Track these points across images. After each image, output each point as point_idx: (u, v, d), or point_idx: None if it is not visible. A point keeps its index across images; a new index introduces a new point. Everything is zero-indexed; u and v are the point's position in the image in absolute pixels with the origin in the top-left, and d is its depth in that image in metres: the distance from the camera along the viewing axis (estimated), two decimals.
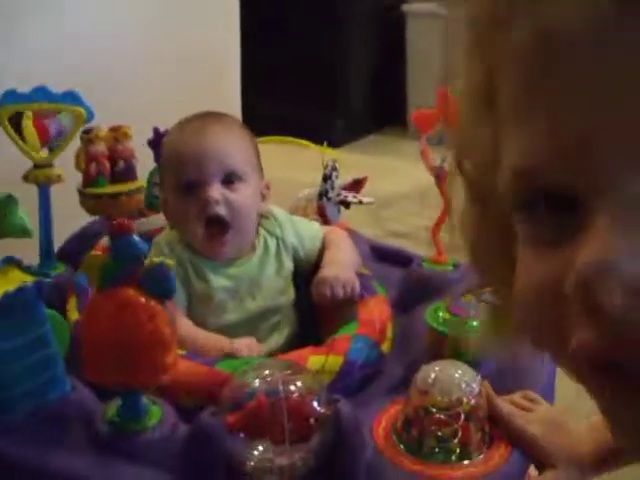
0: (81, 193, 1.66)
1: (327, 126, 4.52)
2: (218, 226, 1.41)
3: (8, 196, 1.33)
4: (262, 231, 1.50)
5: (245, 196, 1.42)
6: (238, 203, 1.41)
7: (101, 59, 2.61)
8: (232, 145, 1.44)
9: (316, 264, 1.49)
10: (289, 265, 1.50)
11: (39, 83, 1.43)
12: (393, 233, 3.30)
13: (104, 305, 0.96)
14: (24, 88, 1.41)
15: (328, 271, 1.41)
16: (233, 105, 3.32)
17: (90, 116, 1.44)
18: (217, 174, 1.40)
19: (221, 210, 1.39)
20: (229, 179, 1.41)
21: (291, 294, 1.50)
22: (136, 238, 0.96)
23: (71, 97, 1.41)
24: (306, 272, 1.51)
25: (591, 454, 1.10)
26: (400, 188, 3.73)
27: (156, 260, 0.96)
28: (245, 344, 1.28)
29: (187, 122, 1.48)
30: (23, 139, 1.44)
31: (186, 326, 1.32)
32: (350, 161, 4.27)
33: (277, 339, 1.46)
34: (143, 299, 0.95)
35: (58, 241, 1.61)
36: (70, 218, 1.61)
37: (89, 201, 1.65)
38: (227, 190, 1.41)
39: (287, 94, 4.72)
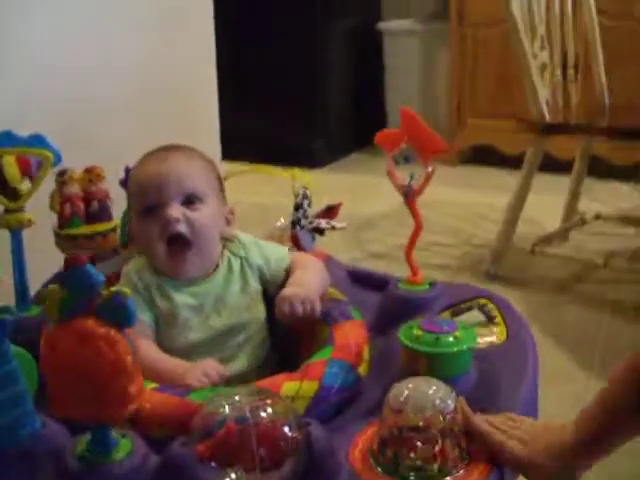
0: (56, 234, 1.66)
1: (307, 146, 4.55)
2: (179, 244, 1.43)
3: None
4: (226, 252, 1.52)
5: (205, 215, 1.45)
6: (199, 222, 1.44)
7: (74, 99, 2.61)
8: (191, 169, 1.47)
9: (282, 285, 1.50)
10: (254, 284, 1.51)
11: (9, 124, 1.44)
12: (373, 254, 3.30)
13: (64, 337, 0.95)
14: None
15: (288, 289, 1.42)
16: (211, 127, 3.33)
17: (57, 159, 1.45)
18: (177, 195, 1.43)
19: (182, 228, 1.43)
20: (189, 200, 1.44)
21: (258, 312, 1.51)
22: (90, 268, 0.95)
23: (37, 140, 1.42)
24: (274, 292, 1.51)
25: (575, 442, 1.09)
26: (380, 208, 3.74)
27: (112, 289, 0.95)
28: (197, 377, 1.27)
29: (150, 153, 1.51)
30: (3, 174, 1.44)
31: (147, 353, 1.31)
32: (331, 181, 4.33)
33: (246, 359, 1.46)
34: (102, 329, 0.94)
35: (37, 282, 1.62)
36: (47, 259, 1.61)
37: (65, 242, 1.65)
38: (187, 210, 1.44)
39: (266, 115, 4.72)
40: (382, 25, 4.84)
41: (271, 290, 1.52)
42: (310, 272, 1.50)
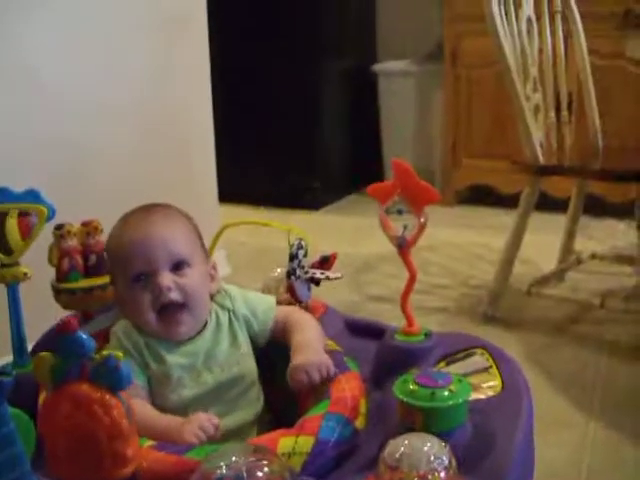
0: (55, 288, 1.66)
1: (304, 188, 4.57)
2: (172, 310, 1.45)
3: None
4: (214, 306, 1.54)
5: (194, 279, 1.47)
6: (189, 287, 1.45)
7: (68, 153, 2.64)
8: (175, 232, 1.48)
9: (273, 338, 1.55)
10: (243, 337, 1.53)
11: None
12: (372, 297, 3.31)
13: (59, 404, 0.96)
14: None
15: (300, 357, 1.41)
16: (208, 171, 3.35)
17: (52, 213, 1.46)
18: (166, 263, 1.45)
19: (174, 296, 1.44)
20: (177, 266, 1.46)
21: (249, 366, 1.52)
22: (81, 334, 0.97)
23: (32, 196, 1.43)
24: (262, 344, 1.56)
25: None
26: (379, 250, 3.74)
27: (104, 353, 0.96)
28: (193, 432, 1.27)
29: (130, 214, 1.52)
30: (5, 236, 1.46)
31: (142, 412, 1.29)
32: (329, 223, 4.35)
33: (241, 413, 1.47)
34: (97, 393, 0.96)
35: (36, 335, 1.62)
36: (48, 314, 1.62)
37: (63, 296, 1.66)
38: (176, 277, 1.45)
39: (263, 156, 4.78)
40: (377, 66, 4.89)
41: (260, 343, 1.55)
42: (310, 332, 1.51)
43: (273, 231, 1.67)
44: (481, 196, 4.56)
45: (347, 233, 4.18)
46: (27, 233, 1.46)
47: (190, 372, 1.46)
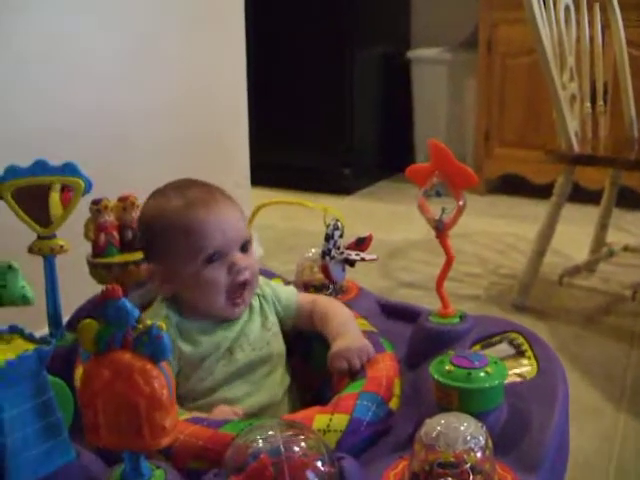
0: (90, 263, 1.68)
1: (337, 173, 4.57)
2: (242, 289, 1.47)
3: (8, 266, 1.35)
4: None
5: (254, 258, 1.52)
6: (254, 267, 1.50)
7: (106, 126, 2.65)
8: (239, 212, 1.51)
9: (299, 325, 1.58)
10: (273, 318, 1.55)
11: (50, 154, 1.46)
12: (404, 283, 3.30)
13: (99, 371, 0.96)
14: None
15: (341, 342, 1.42)
16: (241, 156, 3.35)
17: (88, 187, 1.47)
18: (238, 242, 1.47)
19: (248, 275, 1.47)
20: (244, 246, 1.49)
21: (279, 346, 1.54)
22: (126, 302, 0.97)
23: (69, 169, 1.44)
24: (288, 328, 1.58)
25: None
26: (410, 236, 3.76)
27: (148, 322, 0.96)
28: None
29: (176, 190, 1.50)
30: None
31: None
32: (360, 208, 4.35)
33: (268, 392, 1.47)
34: (139, 363, 0.96)
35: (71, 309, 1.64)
36: (82, 288, 1.63)
37: (99, 271, 1.67)
38: (245, 256, 1.48)
39: (296, 142, 4.77)
40: (411, 53, 4.87)
41: (286, 325, 1.58)
42: (344, 317, 1.53)
43: (303, 215, 1.68)
44: (513, 186, 4.53)
45: (378, 218, 4.17)
46: (66, 203, 1.47)
47: (223, 350, 1.46)
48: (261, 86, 4.44)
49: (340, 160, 4.68)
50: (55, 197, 1.45)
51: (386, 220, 4.12)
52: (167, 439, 0.98)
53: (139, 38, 2.77)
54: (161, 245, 1.48)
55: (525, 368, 1.38)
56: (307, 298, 1.60)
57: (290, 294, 1.60)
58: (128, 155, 2.73)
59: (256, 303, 1.54)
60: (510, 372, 1.30)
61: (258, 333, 1.51)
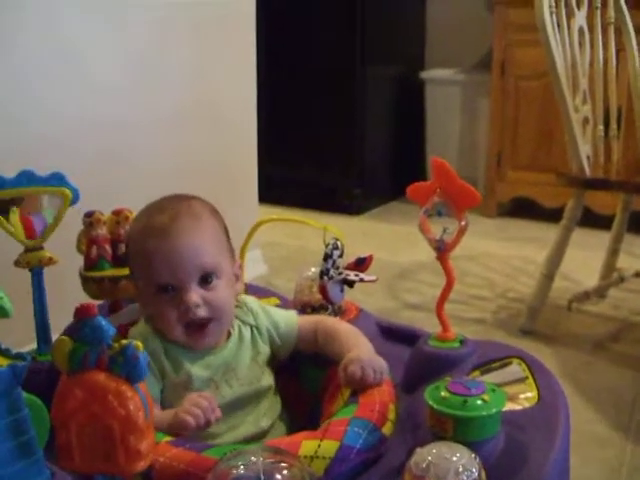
0: (82, 276, 1.64)
1: (346, 193, 4.54)
2: (200, 324, 1.39)
3: None
4: (236, 320, 1.48)
5: (222, 291, 1.41)
6: (218, 300, 1.39)
7: (107, 138, 2.62)
8: (206, 240, 1.40)
9: (301, 349, 1.52)
10: (265, 350, 1.48)
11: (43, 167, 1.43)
12: (408, 305, 3.24)
13: (73, 391, 0.92)
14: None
15: (356, 352, 1.36)
16: (249, 173, 3.32)
17: (76, 197, 1.42)
18: (194, 276, 1.38)
19: (202, 312, 1.38)
20: (206, 279, 1.39)
21: (268, 380, 1.46)
22: (101, 320, 0.93)
23: (56, 179, 1.40)
24: (284, 357, 1.51)
25: None
26: (417, 258, 3.72)
27: (124, 342, 0.92)
28: (188, 411, 1.24)
29: (154, 211, 1.43)
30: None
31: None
32: (369, 229, 4.31)
33: (256, 422, 1.41)
34: (113, 383, 0.91)
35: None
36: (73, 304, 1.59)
37: (90, 285, 1.63)
38: (204, 290, 1.39)
39: (305, 161, 4.73)
40: (425, 74, 4.85)
41: (282, 355, 1.52)
42: (352, 333, 1.47)
43: (310, 233, 1.63)
44: (523, 209, 4.49)
45: (386, 240, 4.13)
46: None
47: (208, 384, 1.40)
48: (273, 103, 4.43)
49: (351, 180, 4.64)
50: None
51: (393, 241, 4.08)
52: (142, 463, 0.94)
53: (145, 49, 2.74)
54: (131, 264, 1.48)
55: (526, 395, 1.34)
56: (309, 319, 1.55)
57: (290, 320, 1.52)
58: (129, 169, 2.70)
59: (247, 334, 1.47)
60: (510, 399, 1.26)
61: (247, 368, 1.45)
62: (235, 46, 3.17)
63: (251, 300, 1.53)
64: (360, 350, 1.37)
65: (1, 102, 2.29)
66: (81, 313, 0.92)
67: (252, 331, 1.48)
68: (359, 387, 1.31)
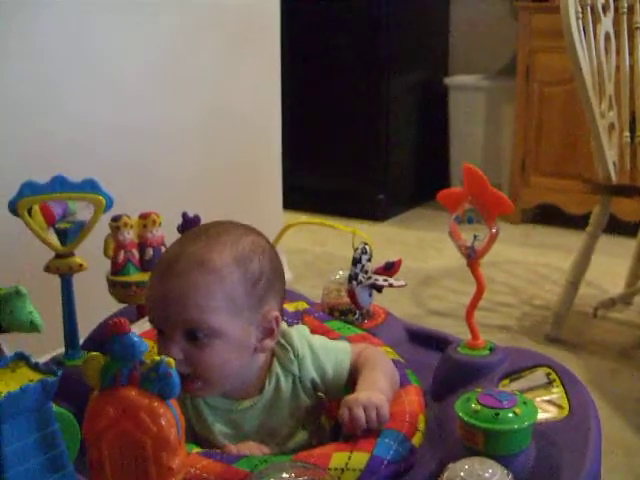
0: (109, 281, 1.64)
1: (370, 199, 4.53)
2: (184, 378, 1.17)
3: (16, 291, 1.30)
4: (276, 367, 1.32)
5: (214, 352, 1.23)
6: (203, 363, 1.23)
7: (131, 145, 2.61)
8: (199, 292, 1.22)
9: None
10: (306, 402, 1.33)
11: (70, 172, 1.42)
12: (433, 312, 3.24)
13: (104, 408, 0.91)
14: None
15: (356, 394, 1.23)
16: (273, 178, 3.31)
17: (109, 203, 1.40)
18: (177, 328, 1.22)
19: (182, 369, 1.19)
20: (193, 335, 1.22)
21: (307, 432, 1.33)
22: (134, 337, 0.91)
23: (90, 185, 1.37)
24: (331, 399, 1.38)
25: None
26: (442, 264, 3.71)
27: (156, 358, 0.91)
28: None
29: (182, 240, 1.31)
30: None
31: None
32: (393, 235, 4.30)
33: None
34: (145, 400, 0.90)
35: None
36: (100, 307, 1.59)
37: (117, 289, 1.63)
38: (191, 346, 1.22)
39: (330, 167, 4.73)
40: (449, 80, 4.83)
41: (331, 394, 1.36)
42: (378, 370, 1.30)
43: (335, 239, 1.62)
44: (548, 215, 4.46)
45: (411, 246, 4.12)
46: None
47: (239, 440, 1.26)
48: (297, 110, 4.41)
49: (375, 186, 4.63)
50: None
51: (418, 247, 4.06)
52: None
53: (171, 57, 2.74)
54: None
55: (556, 407, 1.32)
56: (356, 350, 1.37)
57: (341, 364, 1.34)
58: (154, 176, 2.69)
59: (287, 386, 1.31)
60: (539, 405, 1.24)
61: (284, 426, 1.31)
62: (260, 53, 3.16)
63: (300, 338, 1.35)
64: (364, 390, 1.24)
65: (31, 110, 2.29)
66: (113, 329, 0.91)
67: (294, 382, 1.32)
68: (353, 431, 1.19)
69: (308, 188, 4.55)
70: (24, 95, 2.27)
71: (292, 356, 1.32)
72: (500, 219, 1.36)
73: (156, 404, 0.91)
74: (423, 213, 4.72)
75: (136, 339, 0.92)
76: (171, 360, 0.92)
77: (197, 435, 1.30)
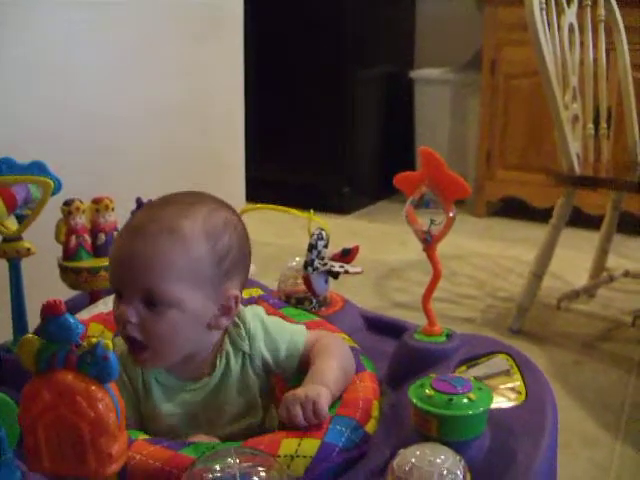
0: (61, 267, 1.61)
1: (335, 192, 4.51)
2: (132, 346, 1.21)
3: None
4: (227, 345, 1.29)
5: (170, 323, 1.20)
6: (158, 331, 1.20)
7: (95, 133, 2.58)
8: (164, 259, 1.19)
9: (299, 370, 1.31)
10: (255, 382, 1.30)
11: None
12: (397, 304, 3.21)
13: (40, 393, 0.87)
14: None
15: (296, 390, 1.19)
16: (236, 171, 3.28)
17: (58, 186, 1.36)
18: (136, 291, 1.19)
19: (134, 333, 1.19)
20: (151, 302, 1.19)
21: (257, 414, 1.31)
22: (69, 318, 0.88)
23: (37, 167, 1.33)
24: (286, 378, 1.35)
25: None
26: (406, 257, 3.70)
27: (93, 340, 0.87)
28: None
29: (150, 206, 1.29)
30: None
31: None
32: (357, 228, 4.28)
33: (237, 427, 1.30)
34: (81, 384, 0.87)
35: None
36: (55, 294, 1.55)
37: (69, 275, 1.60)
38: (147, 312, 1.19)
39: (294, 160, 4.71)
40: (414, 73, 4.81)
41: (285, 375, 1.34)
42: (331, 361, 1.26)
43: (299, 231, 1.59)
44: (513, 209, 4.46)
45: (375, 239, 4.10)
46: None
47: (187, 424, 1.26)
48: (262, 103, 4.39)
49: (340, 179, 4.62)
50: None
51: (382, 240, 4.05)
52: (114, 467, 0.89)
53: (134, 45, 2.70)
54: None
55: (510, 386, 1.30)
56: (312, 338, 1.33)
57: (295, 345, 1.31)
58: (116, 161, 2.65)
59: (236, 365, 1.29)
60: (494, 391, 1.22)
61: (233, 405, 1.28)
62: (223, 43, 3.13)
63: (253, 316, 1.33)
64: (306, 384, 1.21)
65: None
66: (48, 310, 0.88)
67: (243, 361, 1.30)
68: (293, 425, 1.15)
69: (272, 181, 4.53)
70: None
71: (243, 333, 1.30)
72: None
73: (93, 388, 0.87)
74: (388, 206, 4.72)
75: (72, 320, 0.88)
76: (109, 342, 0.88)
77: (143, 417, 1.27)
